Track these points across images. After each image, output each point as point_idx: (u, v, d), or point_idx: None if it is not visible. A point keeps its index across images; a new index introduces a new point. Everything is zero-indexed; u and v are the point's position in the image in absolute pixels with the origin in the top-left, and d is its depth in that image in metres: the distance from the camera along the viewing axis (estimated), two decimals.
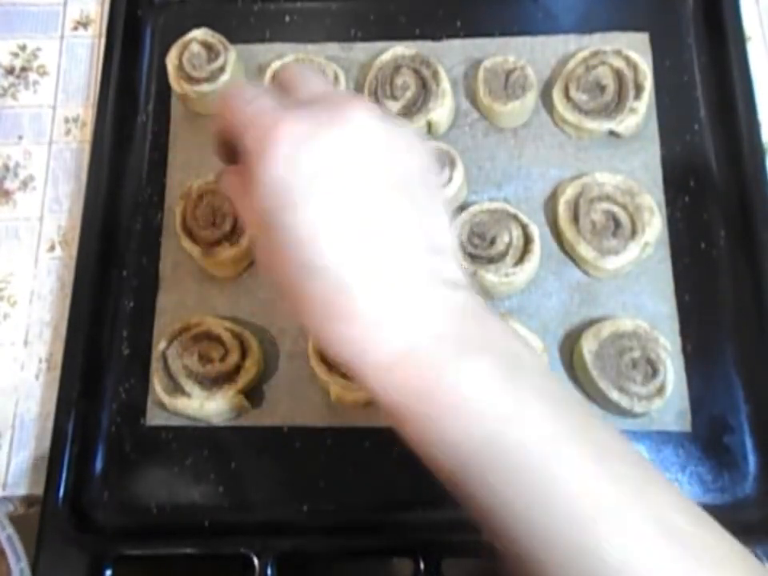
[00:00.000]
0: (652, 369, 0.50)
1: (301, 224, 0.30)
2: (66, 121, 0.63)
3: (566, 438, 0.29)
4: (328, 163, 0.30)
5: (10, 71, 0.65)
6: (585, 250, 0.53)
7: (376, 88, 0.58)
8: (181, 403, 0.50)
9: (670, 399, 0.50)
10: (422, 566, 0.47)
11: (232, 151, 0.35)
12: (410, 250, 0.31)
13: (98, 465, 0.52)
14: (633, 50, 0.57)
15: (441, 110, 0.57)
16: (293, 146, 0.30)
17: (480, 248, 0.53)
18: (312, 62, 0.59)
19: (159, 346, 0.52)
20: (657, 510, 0.28)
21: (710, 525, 0.29)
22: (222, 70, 0.58)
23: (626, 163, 0.57)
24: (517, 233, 0.53)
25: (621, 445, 0.30)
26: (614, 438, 0.30)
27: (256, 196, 0.31)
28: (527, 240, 0.53)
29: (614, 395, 0.49)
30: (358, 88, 0.60)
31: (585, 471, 0.28)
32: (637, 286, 0.54)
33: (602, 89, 0.56)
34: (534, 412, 0.29)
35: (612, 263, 0.52)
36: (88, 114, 0.63)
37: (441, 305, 0.31)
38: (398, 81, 0.57)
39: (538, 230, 0.53)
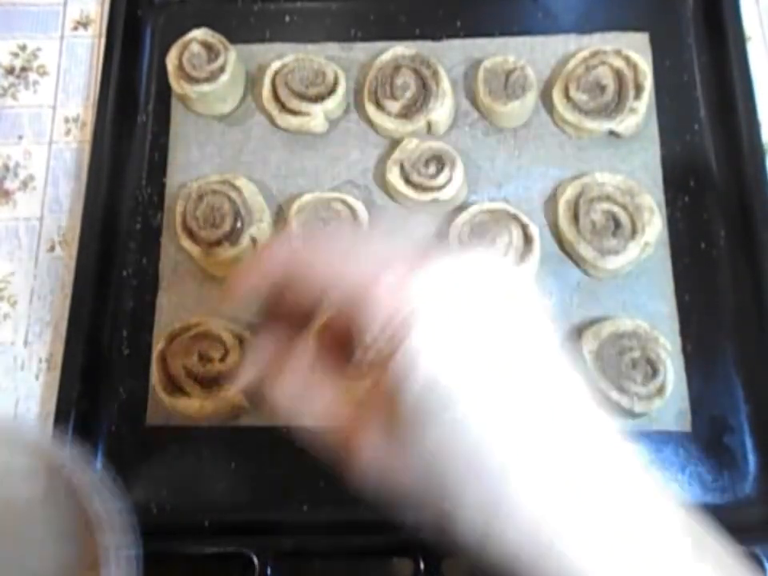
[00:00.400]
0: (652, 369, 0.50)
1: (458, 421, 0.25)
2: (66, 121, 0.63)
3: None
4: (484, 354, 0.26)
5: (10, 71, 0.65)
6: (585, 250, 0.53)
7: (376, 88, 0.58)
8: (181, 403, 0.50)
9: (669, 399, 0.50)
10: (422, 566, 0.47)
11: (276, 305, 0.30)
12: (583, 434, 0.27)
13: (98, 465, 0.52)
14: (633, 50, 0.57)
15: (441, 110, 0.57)
16: (442, 329, 0.26)
17: (480, 248, 0.53)
18: (312, 62, 0.59)
19: (159, 346, 0.52)
20: None
21: None
22: (221, 69, 0.58)
23: (626, 163, 0.57)
24: (517, 233, 0.53)
25: None
26: None
27: (404, 386, 0.26)
28: (527, 240, 0.53)
29: (614, 395, 0.49)
30: (359, 88, 0.60)
31: None
32: (637, 286, 0.54)
33: (602, 89, 0.56)
34: None
35: (612, 263, 0.52)
36: (88, 114, 0.63)
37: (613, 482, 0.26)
38: (398, 81, 0.57)
39: (538, 230, 0.53)
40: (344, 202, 0.55)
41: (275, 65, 0.59)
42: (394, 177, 0.55)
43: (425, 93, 0.57)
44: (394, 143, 0.57)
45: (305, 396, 0.29)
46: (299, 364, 0.30)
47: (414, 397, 0.26)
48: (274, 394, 0.30)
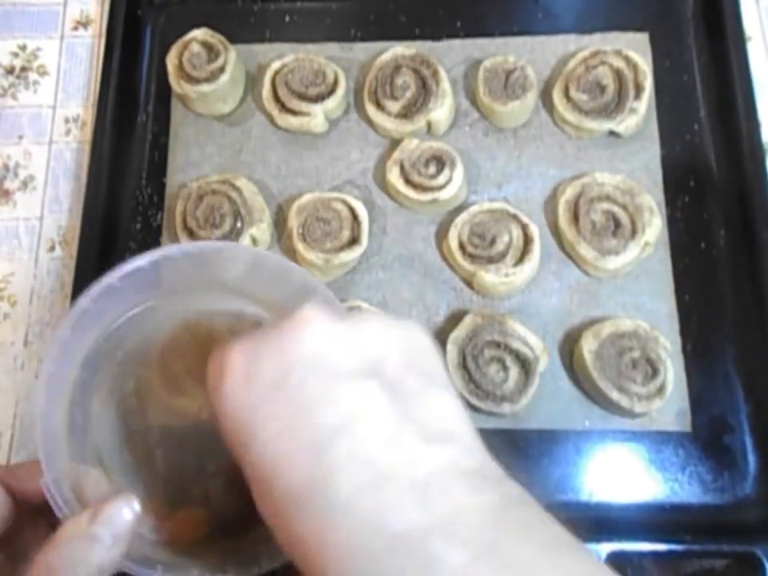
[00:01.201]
0: (652, 369, 0.50)
1: (266, 453, 0.28)
2: (66, 121, 0.63)
3: None
4: (283, 373, 0.28)
5: (10, 71, 0.65)
6: (585, 250, 0.53)
7: (376, 88, 0.58)
8: None
9: (669, 399, 0.50)
10: None
11: None
12: (398, 444, 0.27)
13: None
14: (633, 50, 0.57)
15: (441, 110, 0.57)
16: (242, 368, 0.29)
17: (480, 248, 0.53)
18: (312, 62, 0.59)
19: None
20: None
21: None
22: (221, 70, 0.58)
23: (626, 163, 0.57)
24: (517, 233, 0.53)
25: None
26: None
27: (224, 430, 0.29)
28: (527, 240, 0.53)
29: (614, 395, 0.49)
30: (359, 88, 0.60)
31: None
32: (637, 286, 0.54)
33: (602, 89, 0.56)
34: None
35: (612, 263, 0.52)
36: (88, 114, 0.63)
37: (450, 506, 0.26)
38: (398, 81, 0.57)
39: (538, 230, 0.53)
40: (344, 201, 0.55)
41: (275, 65, 0.59)
42: (393, 177, 0.55)
43: (425, 93, 0.57)
44: (394, 143, 0.57)
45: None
46: None
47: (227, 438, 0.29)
48: None
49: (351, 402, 0.28)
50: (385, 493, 0.26)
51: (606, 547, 0.46)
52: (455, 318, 0.53)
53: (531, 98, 0.57)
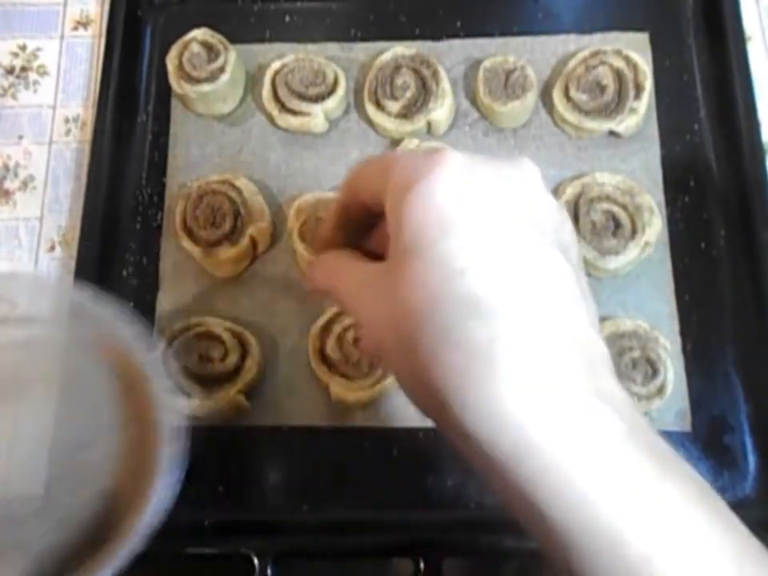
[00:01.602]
0: (652, 369, 0.50)
1: (466, 249, 0.26)
2: (66, 121, 0.63)
3: None
4: (499, 201, 0.27)
5: (10, 71, 0.65)
6: (585, 250, 0.52)
7: (376, 88, 0.58)
8: (181, 403, 0.50)
9: (669, 399, 0.50)
10: (422, 565, 0.47)
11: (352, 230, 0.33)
12: (579, 317, 0.27)
13: None
14: (633, 50, 0.57)
15: (441, 110, 0.57)
16: (463, 174, 0.27)
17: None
18: (312, 62, 0.59)
19: (159, 346, 0.52)
20: None
21: None
22: (221, 70, 0.58)
23: (626, 163, 0.57)
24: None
25: None
26: None
27: (409, 215, 0.27)
28: None
29: None
30: (359, 88, 0.60)
31: None
32: (637, 286, 0.54)
33: (602, 89, 0.56)
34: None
35: (612, 263, 0.52)
36: (88, 114, 0.63)
37: (619, 391, 0.26)
38: (398, 81, 0.57)
39: None
40: None
41: (275, 65, 0.59)
42: None
43: (425, 93, 0.57)
44: (394, 143, 0.57)
45: (335, 273, 0.32)
46: (333, 253, 0.34)
47: (413, 220, 0.27)
48: (312, 272, 0.34)
49: (553, 262, 0.27)
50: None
51: None
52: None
53: (531, 97, 0.57)
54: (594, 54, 0.57)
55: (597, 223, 0.53)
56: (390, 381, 0.50)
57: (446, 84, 0.57)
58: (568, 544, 0.24)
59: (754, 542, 0.26)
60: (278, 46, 0.62)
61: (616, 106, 0.56)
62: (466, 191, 0.27)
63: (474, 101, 0.59)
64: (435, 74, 0.57)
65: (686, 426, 0.50)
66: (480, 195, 0.27)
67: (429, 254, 0.26)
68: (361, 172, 0.32)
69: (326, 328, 0.52)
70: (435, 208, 0.27)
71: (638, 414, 0.27)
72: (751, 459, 0.50)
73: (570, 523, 0.24)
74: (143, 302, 0.55)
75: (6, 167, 0.62)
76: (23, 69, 0.65)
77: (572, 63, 0.58)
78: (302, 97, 0.58)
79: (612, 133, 0.57)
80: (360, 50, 0.61)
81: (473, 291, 0.25)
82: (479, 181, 0.27)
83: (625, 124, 0.56)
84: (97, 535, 0.35)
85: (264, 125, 0.60)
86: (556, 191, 0.56)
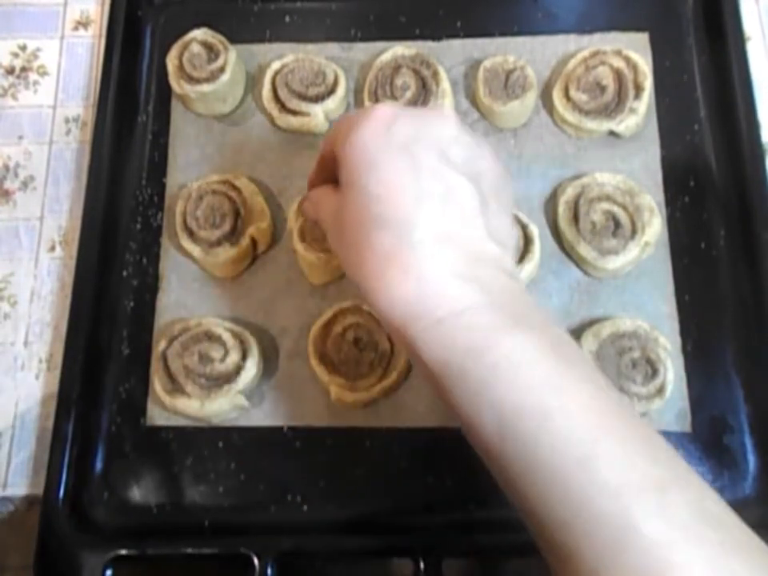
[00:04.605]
0: (652, 369, 0.50)
1: (381, 181, 0.34)
2: (66, 121, 0.63)
3: (610, 418, 0.30)
4: (414, 139, 0.35)
5: (10, 71, 0.65)
6: (585, 250, 0.53)
7: (376, 88, 0.58)
8: (181, 403, 0.50)
9: (669, 399, 0.50)
10: (421, 565, 0.47)
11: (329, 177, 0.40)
12: (474, 227, 0.34)
13: (98, 465, 0.52)
14: (633, 50, 0.57)
15: None
16: (387, 119, 0.35)
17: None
18: (312, 62, 0.59)
19: (159, 346, 0.52)
20: (693, 495, 0.29)
21: (737, 517, 0.30)
22: (221, 70, 0.58)
23: (626, 163, 0.57)
24: (517, 233, 0.53)
25: (659, 437, 0.32)
26: (653, 431, 0.32)
27: (346, 157, 0.35)
28: (527, 240, 0.53)
29: None
30: (359, 88, 0.60)
31: (629, 450, 0.29)
32: (637, 286, 0.54)
33: (602, 89, 0.56)
34: (582, 393, 0.31)
35: (612, 263, 0.52)
36: (88, 114, 0.63)
37: (498, 280, 0.34)
38: (398, 81, 0.57)
39: (538, 230, 0.53)
40: None
41: (275, 65, 0.59)
42: None
43: (425, 93, 0.57)
44: None
45: (317, 203, 0.42)
46: (317, 189, 0.43)
47: (351, 153, 0.36)
48: (304, 205, 0.45)
49: (454, 185, 0.35)
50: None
51: None
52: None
53: (531, 97, 0.57)
54: (594, 54, 0.57)
55: (597, 223, 0.53)
56: (390, 381, 0.50)
57: (445, 84, 0.57)
58: (443, 377, 0.32)
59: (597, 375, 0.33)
60: (277, 46, 0.62)
61: (616, 106, 0.56)
62: (386, 134, 0.35)
63: (473, 101, 0.59)
64: (435, 74, 0.57)
65: (686, 426, 0.50)
66: (397, 137, 0.35)
67: (356, 186, 0.35)
68: (327, 133, 0.41)
69: (326, 328, 0.52)
70: (362, 150, 0.35)
71: (512, 294, 0.34)
72: (751, 459, 0.50)
73: (442, 358, 0.32)
74: (143, 302, 0.55)
75: (6, 167, 0.62)
76: (23, 69, 0.65)
77: (572, 63, 0.58)
78: (302, 97, 0.58)
79: (612, 133, 0.57)
80: (360, 50, 0.61)
81: (384, 211, 0.34)
82: (399, 125, 0.35)
83: (625, 124, 0.56)
84: None
85: (264, 125, 0.60)
86: (556, 191, 0.56)
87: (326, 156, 0.41)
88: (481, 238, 0.34)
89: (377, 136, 0.35)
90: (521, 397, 0.30)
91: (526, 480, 0.30)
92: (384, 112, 0.36)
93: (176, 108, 0.61)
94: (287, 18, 0.63)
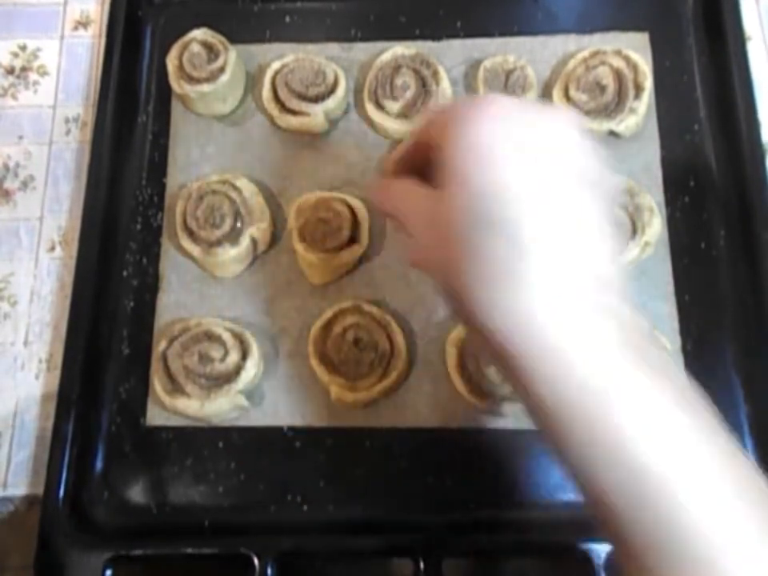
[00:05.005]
0: None
1: (496, 181, 0.30)
2: (66, 121, 0.63)
3: (742, 502, 0.28)
4: (532, 139, 0.31)
5: (10, 71, 0.65)
6: None
7: (376, 88, 0.58)
8: (181, 403, 0.50)
9: None
10: (421, 566, 0.47)
11: (414, 169, 0.37)
12: (598, 243, 0.31)
13: (98, 465, 0.52)
14: (633, 50, 0.57)
15: None
16: (503, 115, 0.32)
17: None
18: (312, 62, 0.59)
19: (159, 346, 0.52)
20: None
21: None
22: (221, 70, 0.58)
23: (626, 163, 0.57)
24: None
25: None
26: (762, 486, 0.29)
27: (453, 150, 0.31)
28: None
29: None
30: (359, 88, 0.60)
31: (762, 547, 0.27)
32: (637, 286, 0.54)
33: (602, 89, 0.56)
34: (713, 461, 0.28)
35: None
36: (88, 114, 0.63)
37: (624, 311, 0.30)
38: (398, 81, 0.57)
39: None
40: (344, 201, 0.55)
41: (275, 65, 0.59)
42: None
43: (425, 93, 0.57)
44: (394, 143, 0.57)
45: (399, 197, 0.37)
46: (399, 180, 0.38)
47: (459, 148, 0.31)
48: (379, 195, 0.39)
49: (576, 192, 0.31)
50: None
51: (607, 547, 0.46)
52: (455, 318, 0.53)
53: (531, 97, 0.57)
54: (594, 54, 0.57)
55: None
56: (390, 381, 0.50)
57: (445, 84, 0.57)
58: (557, 418, 0.29)
59: (731, 446, 0.30)
60: (277, 46, 0.62)
61: (616, 105, 0.56)
62: (502, 132, 0.31)
63: None
64: (435, 74, 0.57)
65: None
66: (513, 136, 0.31)
67: (465, 183, 0.31)
68: (425, 118, 0.37)
69: (326, 328, 0.52)
70: (474, 145, 0.31)
71: (642, 333, 0.30)
72: (751, 459, 0.50)
73: (558, 394, 0.29)
74: (143, 302, 0.55)
75: (6, 167, 0.62)
76: (23, 69, 0.65)
77: (572, 63, 0.58)
78: (302, 97, 0.58)
79: (612, 133, 0.57)
80: (360, 50, 0.61)
81: (498, 214, 0.30)
82: (515, 124, 0.31)
83: (625, 124, 0.56)
84: None
85: (264, 125, 0.60)
86: None
87: (420, 146, 0.37)
88: (605, 257, 0.31)
89: (492, 131, 0.31)
90: (645, 458, 0.27)
91: (645, 551, 0.28)
92: (500, 105, 0.32)
93: (176, 108, 0.61)
94: (287, 18, 0.63)
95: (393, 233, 0.56)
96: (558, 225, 0.30)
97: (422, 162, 0.36)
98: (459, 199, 0.31)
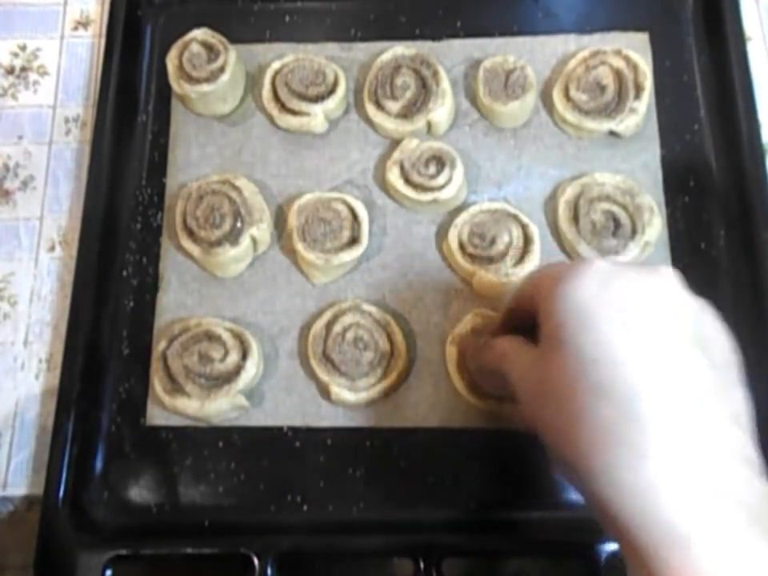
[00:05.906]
0: None
1: (600, 342, 0.30)
2: (66, 121, 0.63)
3: None
4: (636, 301, 0.31)
5: (10, 71, 0.65)
6: (585, 250, 0.52)
7: (376, 88, 0.58)
8: (181, 403, 0.50)
9: None
10: (421, 566, 0.47)
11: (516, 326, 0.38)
12: (713, 407, 0.30)
13: (98, 465, 0.52)
14: (633, 50, 0.57)
15: (441, 110, 0.57)
16: (604, 276, 0.32)
17: (480, 248, 0.53)
18: (312, 62, 0.59)
19: (159, 346, 0.52)
20: None
21: None
22: (221, 70, 0.58)
23: (626, 163, 0.57)
24: (517, 233, 0.53)
25: None
26: None
27: (554, 311, 0.32)
28: (527, 240, 0.53)
29: None
30: (359, 88, 0.60)
31: None
32: None
33: (602, 89, 0.56)
34: None
35: None
36: (88, 114, 0.63)
37: (752, 485, 0.29)
38: (398, 81, 0.57)
39: (538, 230, 0.53)
40: (344, 201, 0.55)
41: (275, 65, 0.59)
42: (393, 177, 0.55)
43: (425, 93, 0.57)
44: (394, 143, 0.57)
45: (504, 356, 0.38)
46: (503, 338, 0.39)
47: (561, 309, 0.32)
48: (483, 354, 0.41)
49: (684, 354, 0.31)
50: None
51: (607, 547, 0.46)
52: (455, 318, 0.53)
53: (531, 98, 0.57)
54: (594, 54, 0.57)
55: (597, 223, 0.53)
56: (390, 381, 0.50)
57: (445, 84, 0.57)
58: None
59: None
60: (277, 46, 0.62)
61: (616, 105, 0.56)
62: (604, 293, 0.31)
63: (473, 101, 0.59)
64: (435, 74, 0.57)
65: None
66: (616, 297, 0.31)
67: (567, 345, 0.31)
68: (522, 284, 0.38)
69: (326, 328, 0.52)
70: (575, 305, 0.31)
71: None
72: None
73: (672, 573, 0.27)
74: (143, 302, 0.55)
75: (6, 167, 0.62)
76: (23, 69, 0.65)
77: (572, 63, 0.58)
78: (302, 97, 0.58)
79: (612, 133, 0.57)
80: (360, 50, 0.61)
81: (604, 379, 0.29)
82: (617, 284, 0.32)
83: (625, 124, 0.56)
84: None
85: (264, 125, 0.60)
86: (556, 191, 0.56)
87: (520, 305, 0.37)
88: (722, 422, 0.30)
89: (592, 292, 0.31)
90: None
91: None
92: (600, 267, 0.32)
93: (176, 108, 0.61)
94: (287, 18, 0.63)
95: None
96: (678, 394, 0.29)
97: (522, 322, 0.36)
98: (562, 361, 0.31)
